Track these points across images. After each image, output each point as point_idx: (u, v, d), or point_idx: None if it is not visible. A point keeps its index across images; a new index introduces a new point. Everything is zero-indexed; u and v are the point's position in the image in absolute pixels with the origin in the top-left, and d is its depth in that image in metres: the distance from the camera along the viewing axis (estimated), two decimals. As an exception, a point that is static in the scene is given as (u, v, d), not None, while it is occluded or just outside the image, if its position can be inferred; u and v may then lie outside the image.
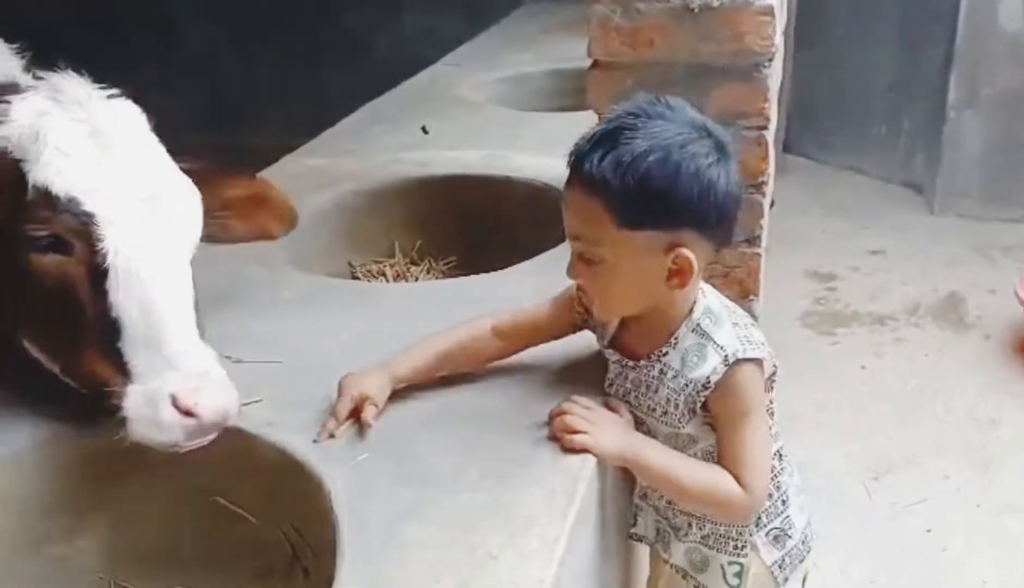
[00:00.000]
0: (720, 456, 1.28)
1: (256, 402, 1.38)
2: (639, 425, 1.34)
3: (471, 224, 2.33)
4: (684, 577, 1.42)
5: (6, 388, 1.43)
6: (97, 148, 1.30)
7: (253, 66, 5.72)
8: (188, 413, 1.21)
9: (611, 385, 1.37)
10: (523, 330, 1.45)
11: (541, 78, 3.43)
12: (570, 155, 1.23)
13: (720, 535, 1.37)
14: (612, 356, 1.37)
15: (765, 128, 1.79)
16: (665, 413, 1.29)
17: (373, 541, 1.10)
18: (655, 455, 1.28)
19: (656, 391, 1.29)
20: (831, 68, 4.43)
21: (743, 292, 1.94)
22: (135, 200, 1.30)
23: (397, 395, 1.38)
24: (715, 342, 1.25)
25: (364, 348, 1.48)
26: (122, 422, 1.24)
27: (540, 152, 2.41)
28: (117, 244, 1.26)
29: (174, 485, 1.37)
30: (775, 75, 1.84)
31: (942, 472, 2.55)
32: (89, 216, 1.26)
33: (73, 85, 1.34)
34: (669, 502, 1.39)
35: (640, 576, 1.65)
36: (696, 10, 1.70)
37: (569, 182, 1.23)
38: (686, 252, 1.19)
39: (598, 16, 1.78)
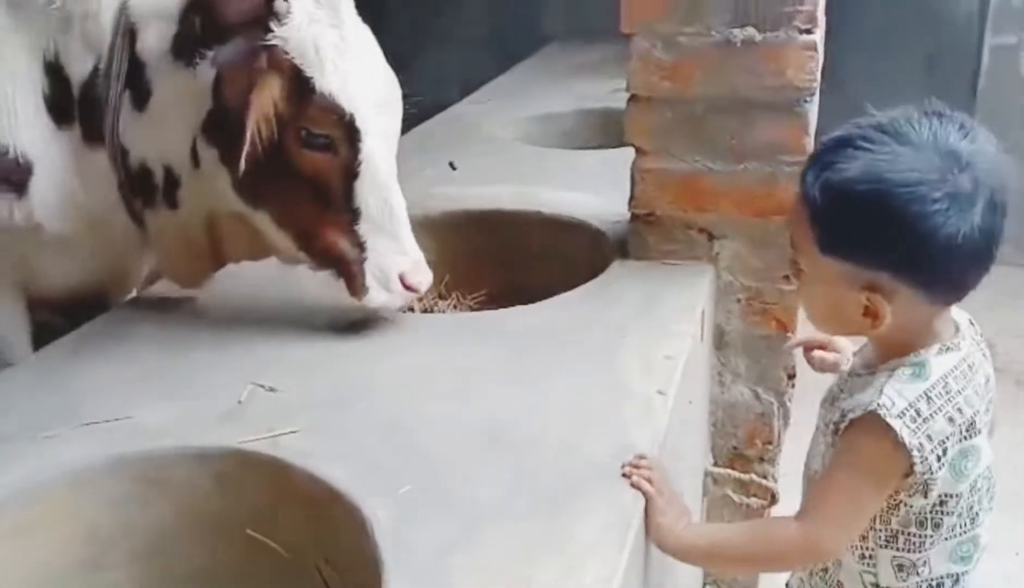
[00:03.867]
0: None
1: (293, 432, 1.35)
2: (815, 436, 1.28)
3: (501, 260, 2.31)
4: None
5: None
6: (352, 55, 1.51)
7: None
8: (410, 288, 1.58)
9: (827, 392, 1.31)
10: None
11: (570, 117, 3.42)
12: (807, 158, 1.18)
13: None
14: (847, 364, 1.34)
15: (805, 163, 1.77)
16: (827, 427, 1.22)
17: (419, 574, 1.06)
18: (698, 531, 1.25)
19: (832, 408, 1.23)
20: (854, 111, 4.43)
21: (781, 328, 1.91)
22: (378, 106, 1.55)
23: (440, 422, 1.36)
24: (884, 387, 1.12)
25: (400, 377, 1.47)
26: (358, 291, 1.58)
27: (570, 188, 2.40)
28: (370, 151, 1.53)
29: (207, 515, 1.34)
30: (815, 110, 1.83)
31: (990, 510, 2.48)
32: (358, 129, 1.51)
33: None
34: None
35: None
36: (738, 44, 1.70)
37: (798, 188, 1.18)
38: (878, 298, 1.09)
39: (638, 50, 1.78)
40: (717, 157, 1.81)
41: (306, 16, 1.48)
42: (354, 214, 1.56)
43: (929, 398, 1.11)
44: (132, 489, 1.33)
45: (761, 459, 2.02)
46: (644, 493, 1.20)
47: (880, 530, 1.18)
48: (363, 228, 1.57)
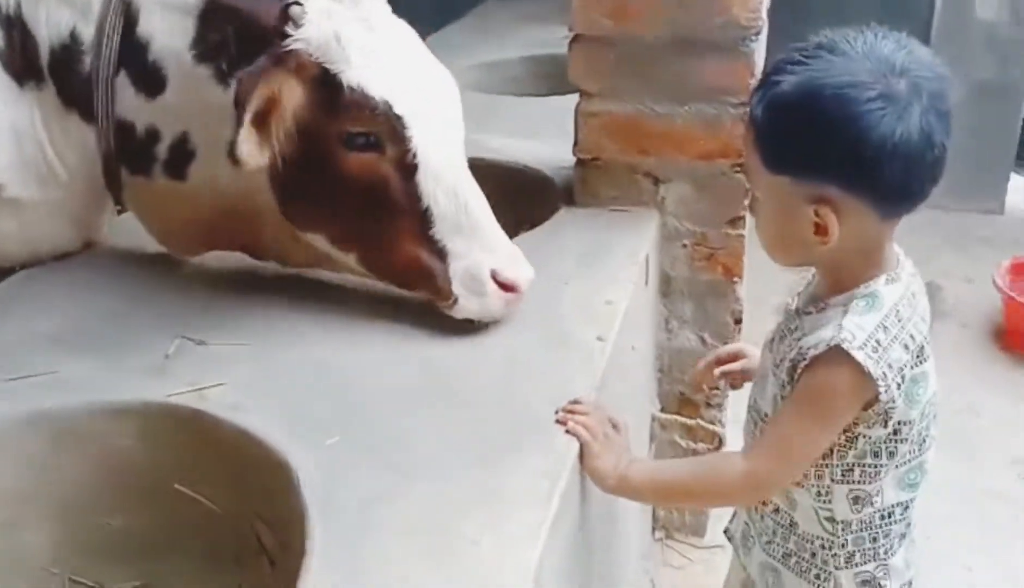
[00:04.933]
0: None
1: (220, 385, 1.31)
2: (763, 376, 1.24)
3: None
4: None
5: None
6: (382, 45, 1.38)
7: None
8: (507, 286, 1.38)
9: (772, 331, 1.27)
10: None
11: (516, 65, 3.34)
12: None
13: (804, 559, 1.24)
14: (788, 300, 1.28)
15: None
16: (778, 368, 1.19)
17: (345, 527, 1.04)
18: (641, 469, 1.23)
19: (782, 345, 1.20)
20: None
21: (727, 273, 1.90)
22: (424, 95, 1.39)
23: (373, 373, 1.32)
24: (842, 321, 1.11)
25: (332, 326, 1.43)
26: (448, 303, 1.39)
27: (518, 135, 2.35)
28: (423, 140, 1.36)
29: (132, 471, 1.29)
30: (760, 50, 1.79)
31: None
32: (399, 117, 1.35)
33: None
34: (766, 505, 1.27)
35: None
36: (681, -20, 1.65)
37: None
38: (826, 209, 1.07)
39: (580, -13, 1.73)
40: (661, 98, 1.77)
41: (324, 13, 1.36)
42: (424, 217, 1.38)
43: (885, 327, 1.11)
44: (52, 446, 1.28)
45: (708, 404, 2.02)
46: (578, 438, 1.19)
47: (836, 465, 1.17)
48: (438, 230, 1.38)
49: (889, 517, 1.21)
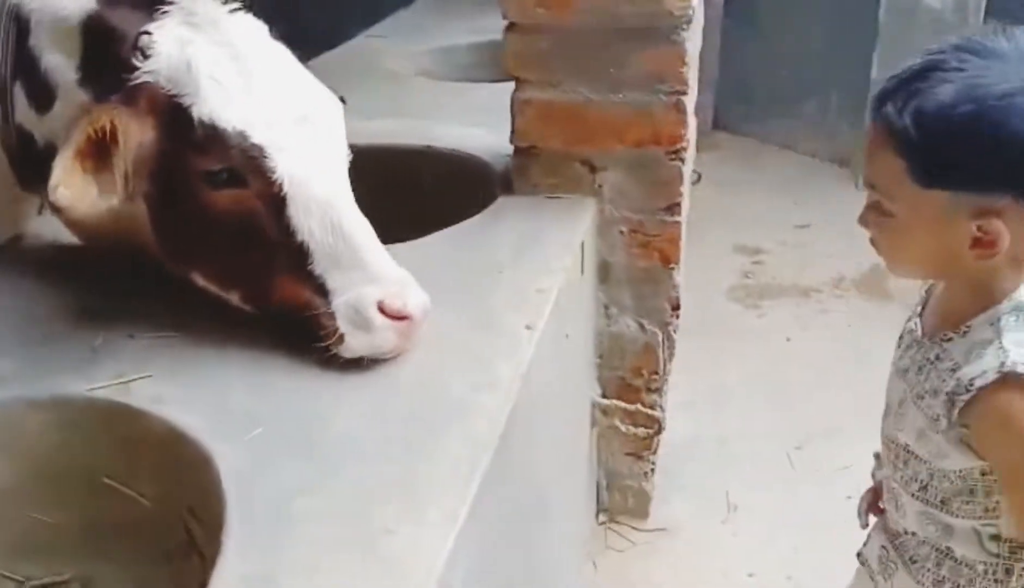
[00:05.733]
0: (1004, 490, 1.11)
1: (146, 377, 1.30)
2: (900, 405, 1.18)
3: (389, 195, 2.26)
4: None
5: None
6: (244, 72, 1.29)
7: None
8: (397, 316, 1.28)
9: (900, 358, 1.21)
10: None
11: (470, 50, 3.34)
12: (876, 94, 1.07)
13: (962, 583, 1.18)
14: (911, 326, 1.20)
15: (683, 93, 1.76)
16: (929, 406, 1.13)
17: (261, 519, 1.04)
18: None
19: (928, 376, 1.13)
20: (761, 43, 4.45)
21: (664, 260, 1.92)
22: (293, 122, 1.31)
23: (297, 363, 1.33)
24: (1002, 342, 1.05)
25: (258, 317, 1.41)
26: (333, 341, 1.29)
27: (464, 122, 2.35)
28: (290, 171, 1.28)
29: (57, 467, 1.29)
30: (693, 40, 1.81)
31: (865, 440, 2.58)
32: (259, 147, 1.27)
33: (204, 4, 1.31)
34: (905, 530, 1.23)
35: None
36: (612, -30, 1.66)
37: (871, 123, 1.07)
38: (997, 221, 1.02)
39: (513, -24, 1.73)
40: (596, 87, 1.79)
41: (177, 41, 1.29)
42: (301, 251, 1.30)
43: None
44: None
45: (648, 389, 2.05)
46: None
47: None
48: (317, 264, 1.30)
49: None
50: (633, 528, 2.20)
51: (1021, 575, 1.16)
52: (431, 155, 2.28)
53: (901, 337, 1.25)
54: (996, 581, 1.16)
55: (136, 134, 1.26)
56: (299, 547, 1.00)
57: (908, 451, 1.18)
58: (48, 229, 1.68)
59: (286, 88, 1.35)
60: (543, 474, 1.60)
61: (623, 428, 2.07)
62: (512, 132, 1.88)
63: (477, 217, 1.86)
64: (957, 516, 1.15)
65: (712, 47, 4.44)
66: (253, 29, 1.36)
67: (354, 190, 2.32)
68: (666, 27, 1.71)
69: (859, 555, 1.36)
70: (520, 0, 1.74)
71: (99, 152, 1.24)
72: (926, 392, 1.13)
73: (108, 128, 1.23)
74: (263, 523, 1.04)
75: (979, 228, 1.03)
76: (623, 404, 2.04)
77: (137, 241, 1.42)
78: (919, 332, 1.16)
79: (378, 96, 2.75)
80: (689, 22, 1.72)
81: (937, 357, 1.12)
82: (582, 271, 1.79)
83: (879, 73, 3.96)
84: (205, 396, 1.27)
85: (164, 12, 1.32)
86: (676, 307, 1.97)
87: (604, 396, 2.07)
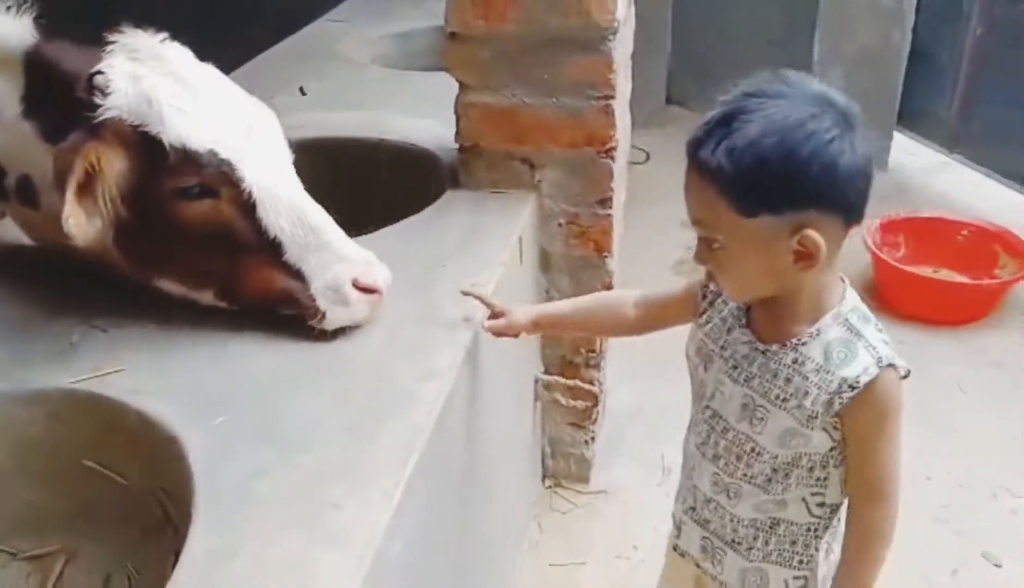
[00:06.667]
0: (858, 464, 1.26)
1: (119, 371, 1.45)
2: (755, 412, 1.27)
3: (342, 188, 2.37)
4: None
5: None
6: (194, 95, 1.45)
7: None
8: (368, 290, 1.49)
9: (735, 368, 1.30)
10: (655, 306, 1.53)
11: (427, 35, 3.38)
12: (688, 142, 1.17)
13: (786, 549, 1.34)
14: (744, 337, 1.30)
15: (612, 98, 1.91)
16: (799, 406, 1.23)
17: (226, 499, 1.19)
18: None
19: (789, 380, 1.24)
20: (713, 21, 4.56)
21: (598, 249, 2.08)
22: (244, 135, 1.48)
23: (260, 355, 1.48)
24: (867, 341, 1.20)
25: (221, 311, 1.55)
26: (316, 319, 1.49)
27: (417, 114, 2.45)
28: (255, 178, 1.46)
29: (40, 453, 1.42)
30: (622, 46, 1.95)
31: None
32: (228, 162, 1.44)
33: (141, 40, 1.46)
34: (732, 518, 1.35)
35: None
36: (544, -15, 1.79)
37: (688, 168, 1.18)
38: (811, 233, 1.13)
39: (453, -12, 1.86)
40: (532, 92, 1.92)
41: (130, 77, 1.42)
42: (275, 246, 1.48)
43: (878, 328, 1.24)
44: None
45: (587, 365, 2.22)
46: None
47: (840, 453, 1.27)
48: (291, 255, 1.48)
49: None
50: (576, 491, 2.36)
51: (835, 527, 1.35)
52: (385, 148, 2.38)
53: (702, 349, 1.36)
54: (816, 536, 1.33)
55: (114, 164, 1.40)
56: (258, 523, 1.16)
57: (756, 451, 1.29)
58: (9, 235, 1.79)
59: (229, 104, 1.51)
60: (486, 448, 1.76)
61: (564, 401, 2.24)
62: (456, 132, 2.02)
63: (426, 211, 2.00)
64: (793, 489, 1.29)
65: (663, 24, 4.55)
66: (186, 55, 1.50)
67: (315, 181, 2.46)
68: (594, 37, 1.85)
69: (676, 548, 1.49)
70: (461, 13, 1.87)
71: (88, 184, 1.39)
72: (790, 395, 1.24)
73: (95, 162, 1.38)
74: (227, 502, 1.19)
75: (799, 242, 1.14)
76: (564, 380, 2.21)
77: (96, 253, 1.52)
78: (755, 342, 1.28)
79: (336, 86, 2.84)
80: (615, 33, 1.86)
81: (795, 361, 1.23)
82: (521, 262, 1.94)
83: (821, 53, 4.10)
84: (175, 386, 1.41)
85: (109, 51, 1.44)
86: (609, 289, 2.13)
87: (547, 373, 2.23)
